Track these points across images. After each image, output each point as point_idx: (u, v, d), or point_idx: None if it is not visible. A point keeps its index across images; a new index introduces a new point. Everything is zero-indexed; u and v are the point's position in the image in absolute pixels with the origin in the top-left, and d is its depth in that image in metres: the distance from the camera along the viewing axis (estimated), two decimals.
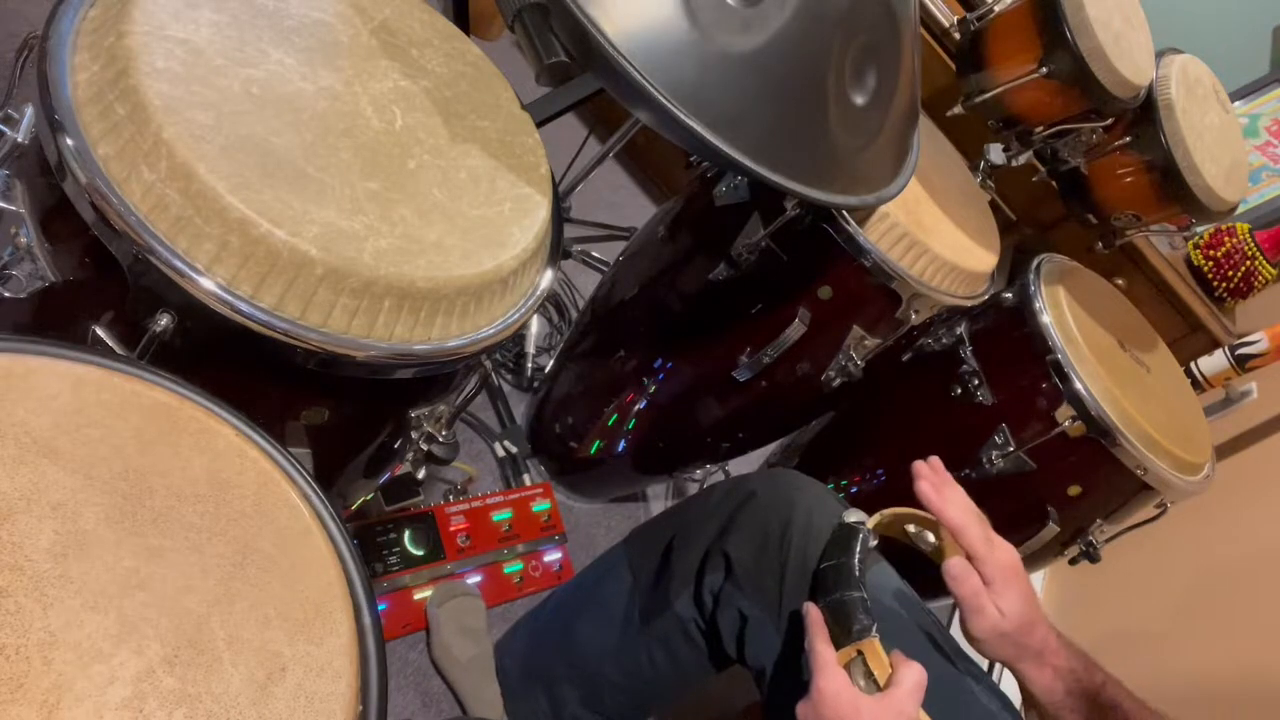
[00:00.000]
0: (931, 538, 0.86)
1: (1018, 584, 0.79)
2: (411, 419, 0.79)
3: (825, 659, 0.70)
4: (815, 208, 1.00)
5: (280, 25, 0.70)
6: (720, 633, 0.89)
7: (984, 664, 1.33)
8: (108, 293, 0.61)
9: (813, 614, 0.74)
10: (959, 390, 1.19)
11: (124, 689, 0.42)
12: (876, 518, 0.83)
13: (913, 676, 0.68)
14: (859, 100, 0.84)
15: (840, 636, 0.72)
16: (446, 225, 0.68)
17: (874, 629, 0.71)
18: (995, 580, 0.78)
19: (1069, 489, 1.16)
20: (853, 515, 0.83)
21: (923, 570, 0.85)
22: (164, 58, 0.61)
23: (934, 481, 0.81)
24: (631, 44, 0.69)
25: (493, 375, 1.42)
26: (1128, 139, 1.26)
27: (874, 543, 0.81)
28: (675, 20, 0.71)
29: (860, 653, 0.70)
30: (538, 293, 0.77)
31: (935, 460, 0.84)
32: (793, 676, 0.81)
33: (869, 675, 0.69)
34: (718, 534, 0.91)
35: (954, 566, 0.79)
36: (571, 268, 1.69)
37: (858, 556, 0.78)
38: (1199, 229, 1.48)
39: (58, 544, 0.44)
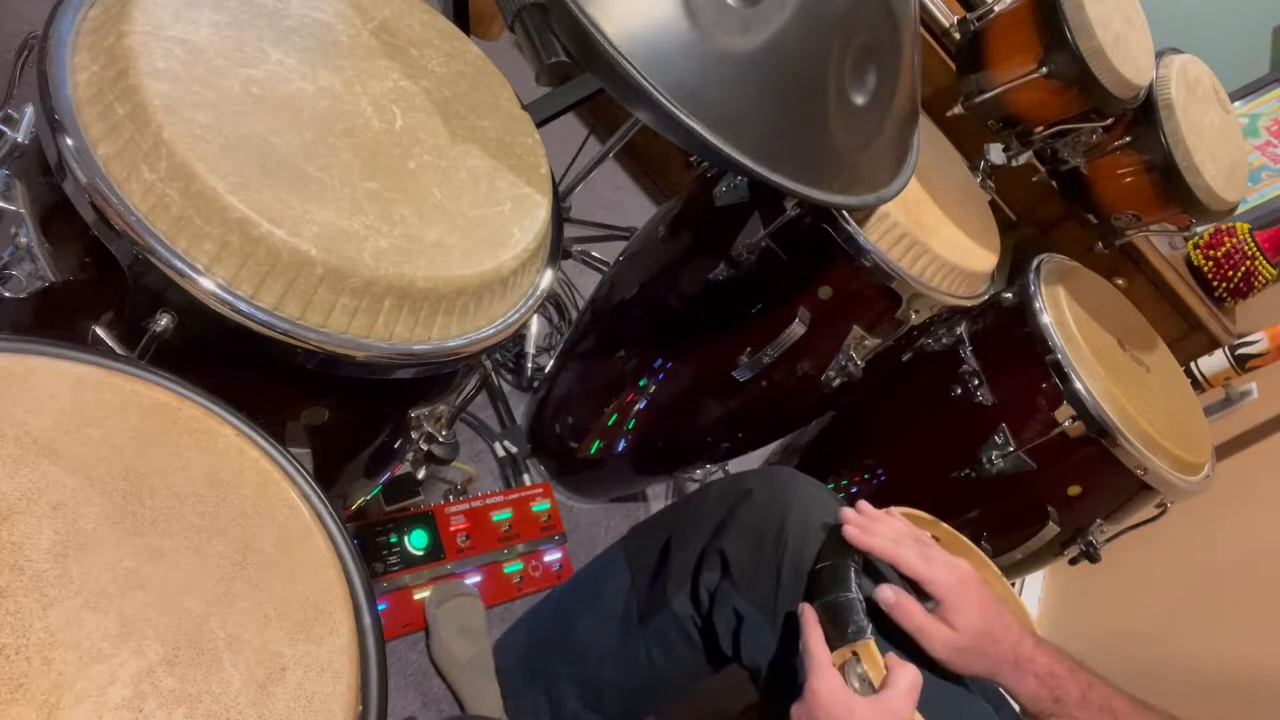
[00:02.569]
0: (929, 539, 0.86)
1: (970, 597, 0.77)
2: (411, 419, 0.79)
3: (819, 660, 0.70)
4: (815, 208, 1.00)
5: (280, 25, 0.70)
6: (716, 632, 0.89)
7: None
8: (108, 293, 0.61)
9: (807, 614, 0.74)
10: (959, 390, 1.19)
11: (124, 689, 0.42)
12: None
13: (907, 678, 0.67)
14: (859, 100, 0.84)
15: (835, 637, 0.71)
16: (446, 225, 0.68)
17: (869, 630, 0.71)
18: (945, 597, 0.77)
19: (1069, 489, 1.16)
20: None
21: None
22: (164, 58, 0.61)
23: (859, 523, 0.81)
24: (631, 44, 0.69)
25: (493, 375, 1.42)
26: (1128, 139, 1.26)
27: None
28: (675, 20, 0.71)
29: (855, 654, 0.70)
30: (538, 293, 0.77)
31: (862, 503, 0.84)
32: (788, 676, 0.81)
33: (863, 677, 0.69)
34: (714, 533, 0.91)
35: (884, 596, 0.77)
36: (571, 268, 1.69)
37: (853, 557, 0.78)
38: (1199, 229, 1.47)
39: (58, 544, 0.44)
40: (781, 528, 0.87)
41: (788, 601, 0.83)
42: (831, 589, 0.76)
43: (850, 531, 0.80)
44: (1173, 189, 1.26)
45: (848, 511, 0.82)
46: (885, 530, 0.80)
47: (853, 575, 0.76)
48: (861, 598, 0.74)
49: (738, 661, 0.89)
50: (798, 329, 1.08)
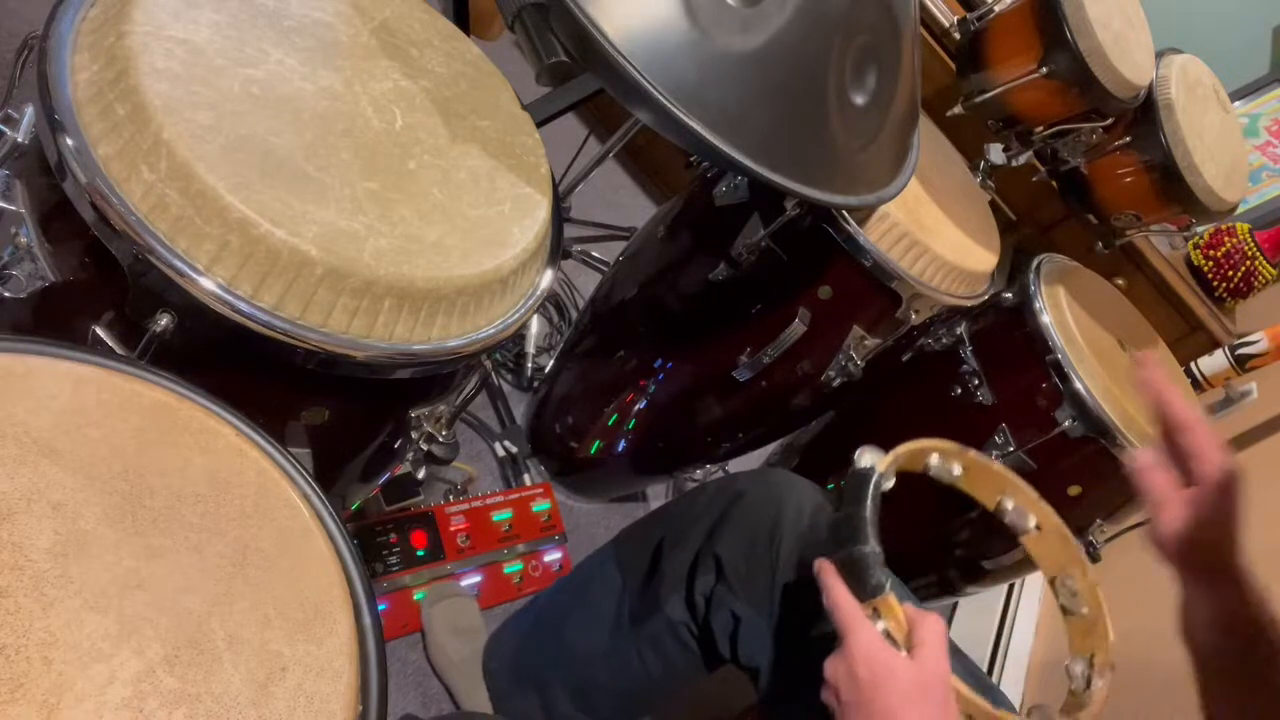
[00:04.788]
0: (956, 469, 0.81)
1: (1226, 500, 0.68)
2: (411, 419, 0.79)
3: (853, 614, 0.66)
4: (815, 208, 1.00)
5: (280, 25, 0.70)
6: (713, 634, 0.89)
7: (980, 660, 1.33)
8: (108, 293, 0.61)
9: (826, 569, 0.70)
10: (959, 390, 1.19)
11: (124, 689, 0.42)
12: (890, 457, 0.76)
13: (934, 630, 0.64)
14: (859, 100, 0.84)
15: (855, 593, 0.67)
16: (446, 225, 0.68)
17: (889, 585, 0.67)
18: (1210, 482, 0.67)
19: (1069, 489, 1.16)
20: (865, 459, 0.76)
21: (921, 573, 0.85)
22: (164, 58, 0.61)
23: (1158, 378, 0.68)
24: (631, 44, 0.69)
25: (493, 375, 1.42)
26: (1128, 139, 1.27)
27: (889, 484, 0.75)
28: (675, 20, 0.71)
29: (875, 610, 0.66)
30: (538, 293, 0.77)
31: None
32: (788, 675, 0.81)
33: (887, 634, 0.66)
34: (707, 535, 0.91)
35: (1142, 457, 0.68)
36: (571, 268, 1.69)
37: (869, 505, 0.72)
38: (1199, 229, 1.47)
39: (58, 544, 0.44)
40: (775, 527, 0.86)
41: (784, 601, 0.83)
42: (848, 541, 0.70)
43: (1149, 377, 0.67)
44: (1173, 189, 1.26)
45: (1144, 354, 0.70)
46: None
47: (869, 525, 0.71)
48: (880, 550, 0.69)
49: (735, 663, 0.89)
50: (798, 329, 1.08)
